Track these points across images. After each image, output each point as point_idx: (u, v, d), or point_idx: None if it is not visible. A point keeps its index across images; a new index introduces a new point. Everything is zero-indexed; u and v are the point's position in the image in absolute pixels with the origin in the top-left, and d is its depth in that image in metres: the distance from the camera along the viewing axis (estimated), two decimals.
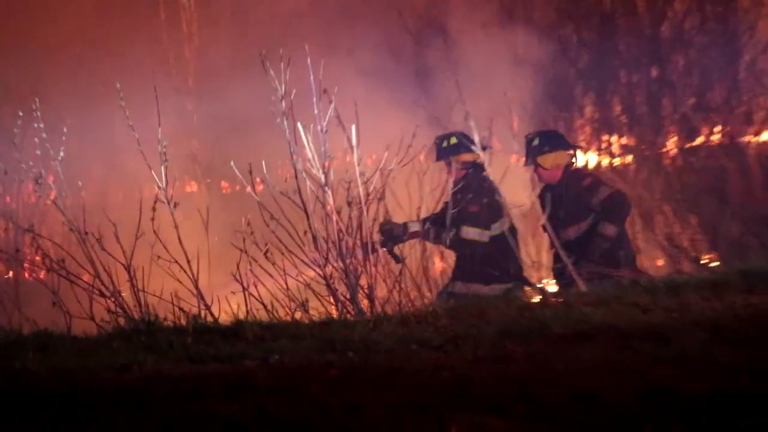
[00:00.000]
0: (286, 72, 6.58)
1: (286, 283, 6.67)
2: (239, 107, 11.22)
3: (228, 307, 6.31)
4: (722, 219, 11.18)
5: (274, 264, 6.67)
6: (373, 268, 6.77)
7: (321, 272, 6.72)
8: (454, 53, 11.73)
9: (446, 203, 7.74)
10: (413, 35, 12.79)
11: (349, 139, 6.70)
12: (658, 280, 6.97)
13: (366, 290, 6.72)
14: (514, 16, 12.31)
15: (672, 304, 5.37)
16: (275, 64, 6.59)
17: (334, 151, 6.78)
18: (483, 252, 7.70)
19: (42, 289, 6.67)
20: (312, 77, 6.66)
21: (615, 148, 12.26)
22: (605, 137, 12.31)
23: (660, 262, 11.39)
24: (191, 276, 6.50)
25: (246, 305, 6.44)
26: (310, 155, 6.65)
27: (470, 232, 7.75)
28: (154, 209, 6.50)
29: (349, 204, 6.76)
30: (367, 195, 6.83)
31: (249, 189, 6.70)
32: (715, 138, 11.55)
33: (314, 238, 6.70)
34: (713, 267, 10.29)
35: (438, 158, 8.01)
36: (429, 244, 7.81)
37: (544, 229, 7.84)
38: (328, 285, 6.71)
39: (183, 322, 5.82)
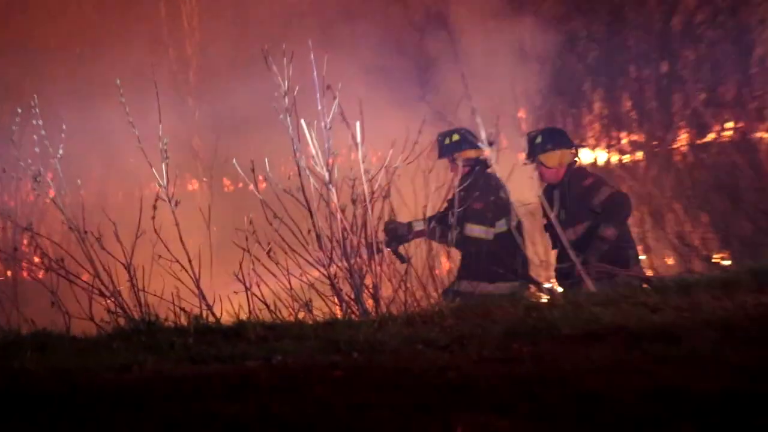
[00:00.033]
0: (289, 67, 6.58)
1: (290, 283, 6.67)
2: (241, 104, 11.23)
3: (230, 307, 6.31)
4: (734, 217, 11.16)
5: (277, 264, 6.67)
6: (378, 268, 6.77)
7: (325, 272, 6.72)
8: (460, 48, 11.74)
9: (449, 201, 7.74)
10: (418, 29, 12.79)
11: (354, 136, 6.70)
12: (668, 279, 6.97)
13: (371, 290, 6.72)
14: (521, 9, 12.30)
15: (682, 303, 5.37)
16: (278, 60, 6.59)
17: (338, 148, 6.78)
18: (488, 250, 7.70)
19: (41, 289, 6.68)
20: (315, 73, 6.67)
21: (624, 145, 12.25)
22: (614, 133, 12.30)
23: (670, 261, 11.39)
24: (192, 275, 6.51)
25: (248, 305, 6.44)
26: (313, 152, 6.66)
27: (475, 230, 7.75)
28: (154, 207, 6.51)
29: (354, 202, 6.76)
30: (372, 193, 6.83)
31: (252, 187, 6.71)
32: (727, 134, 11.53)
33: (318, 236, 6.71)
34: (724, 266, 10.29)
35: (440, 156, 8.02)
36: (435, 243, 7.81)
37: (546, 228, 7.84)
38: (332, 285, 6.71)
39: (184, 322, 5.82)
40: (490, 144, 7.43)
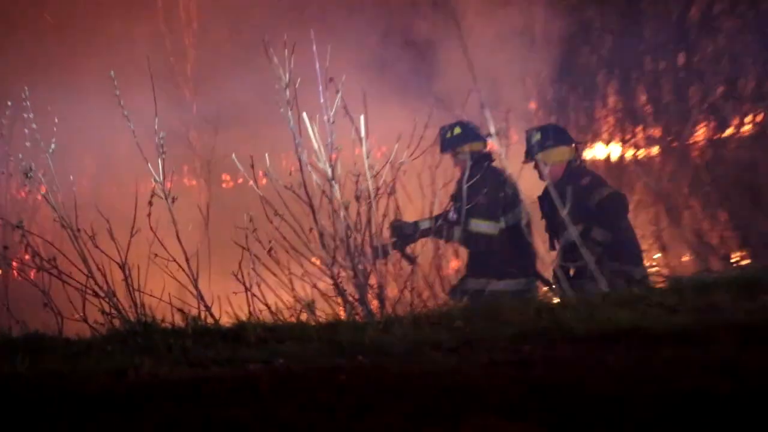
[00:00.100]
0: (290, 59, 6.57)
1: (291, 283, 6.66)
2: (241, 97, 11.23)
3: (229, 308, 6.30)
4: (753, 215, 11.13)
5: (278, 263, 6.66)
6: (383, 267, 6.76)
7: (328, 272, 6.71)
8: (468, 38, 11.71)
9: (452, 196, 7.73)
10: (425, 19, 12.77)
11: (358, 130, 6.69)
12: (686, 279, 6.95)
13: (376, 290, 6.71)
14: None
15: (701, 304, 5.35)
16: (279, 51, 6.58)
17: (342, 142, 6.76)
18: (495, 246, 7.69)
19: (32, 289, 6.68)
20: (318, 65, 6.65)
21: (640, 140, 12.23)
22: (629, 128, 12.28)
23: (687, 260, 11.37)
24: (190, 275, 6.50)
25: (248, 306, 6.43)
26: (315, 147, 6.64)
27: (480, 225, 7.74)
28: (150, 204, 6.50)
29: (358, 199, 6.74)
30: (377, 189, 6.81)
31: (251, 183, 6.70)
32: (746, 128, 11.50)
33: (321, 235, 6.69)
34: (744, 265, 10.27)
35: (442, 150, 8.00)
36: (442, 242, 7.80)
37: (546, 229, 7.84)
38: (335, 285, 6.70)
39: (181, 323, 5.81)
40: (492, 136, 7.40)
